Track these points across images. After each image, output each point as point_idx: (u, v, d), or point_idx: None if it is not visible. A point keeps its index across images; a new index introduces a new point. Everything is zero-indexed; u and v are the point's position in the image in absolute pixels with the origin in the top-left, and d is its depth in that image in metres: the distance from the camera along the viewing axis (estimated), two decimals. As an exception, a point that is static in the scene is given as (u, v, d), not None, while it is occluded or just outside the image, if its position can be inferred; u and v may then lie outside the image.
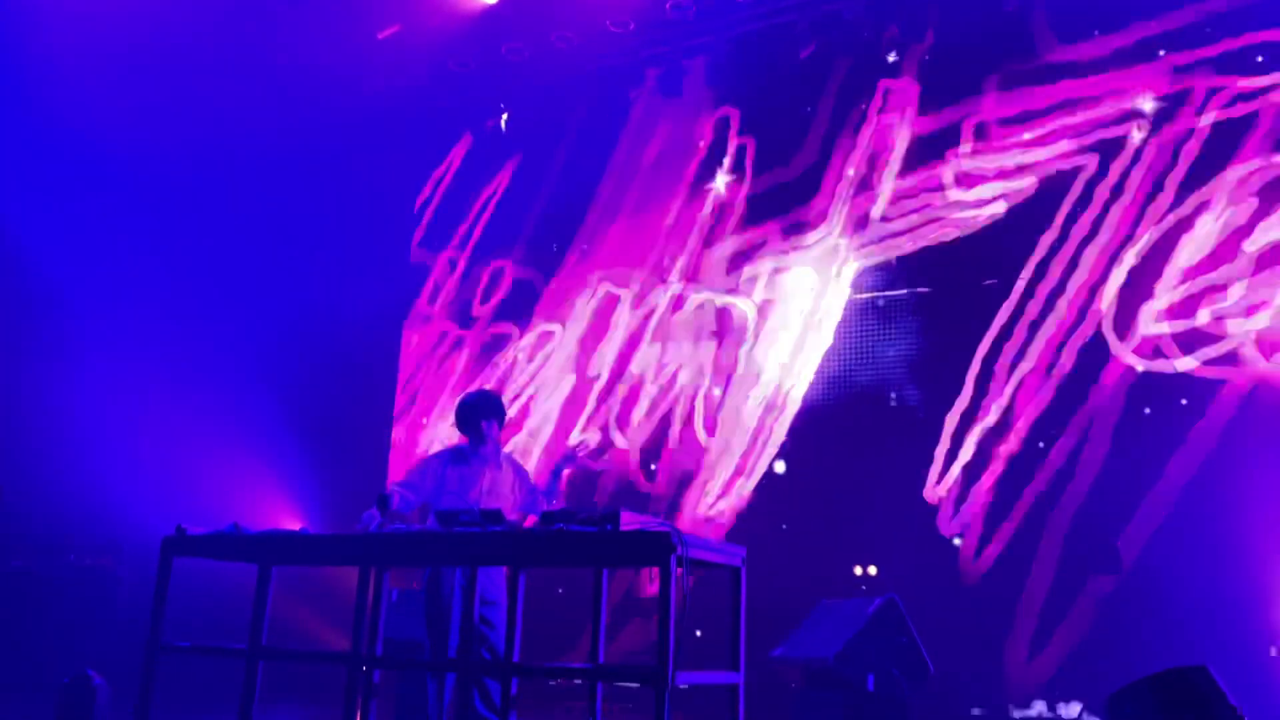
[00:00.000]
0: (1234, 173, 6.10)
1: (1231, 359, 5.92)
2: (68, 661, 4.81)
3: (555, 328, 8.42)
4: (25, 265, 8.05)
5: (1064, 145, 6.68)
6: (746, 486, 7.34)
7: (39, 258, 7.99)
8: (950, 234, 7.00)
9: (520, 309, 8.63)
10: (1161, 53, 6.48)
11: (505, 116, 8.67)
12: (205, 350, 8.47)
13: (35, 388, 8.00)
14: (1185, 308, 6.09)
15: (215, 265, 8.71)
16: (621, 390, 7.99)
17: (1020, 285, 6.66)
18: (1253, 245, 5.97)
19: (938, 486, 6.62)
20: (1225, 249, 6.05)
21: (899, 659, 4.61)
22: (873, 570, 6.74)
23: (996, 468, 6.48)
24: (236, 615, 4.45)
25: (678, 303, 7.94)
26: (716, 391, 7.61)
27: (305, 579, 7.23)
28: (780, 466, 7.30)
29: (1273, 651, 5.39)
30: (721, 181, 7.99)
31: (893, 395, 7.00)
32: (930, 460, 6.68)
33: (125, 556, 7.67)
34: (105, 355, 8.18)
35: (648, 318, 8.03)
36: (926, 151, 7.17)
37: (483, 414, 4.66)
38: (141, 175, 8.48)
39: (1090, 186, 6.55)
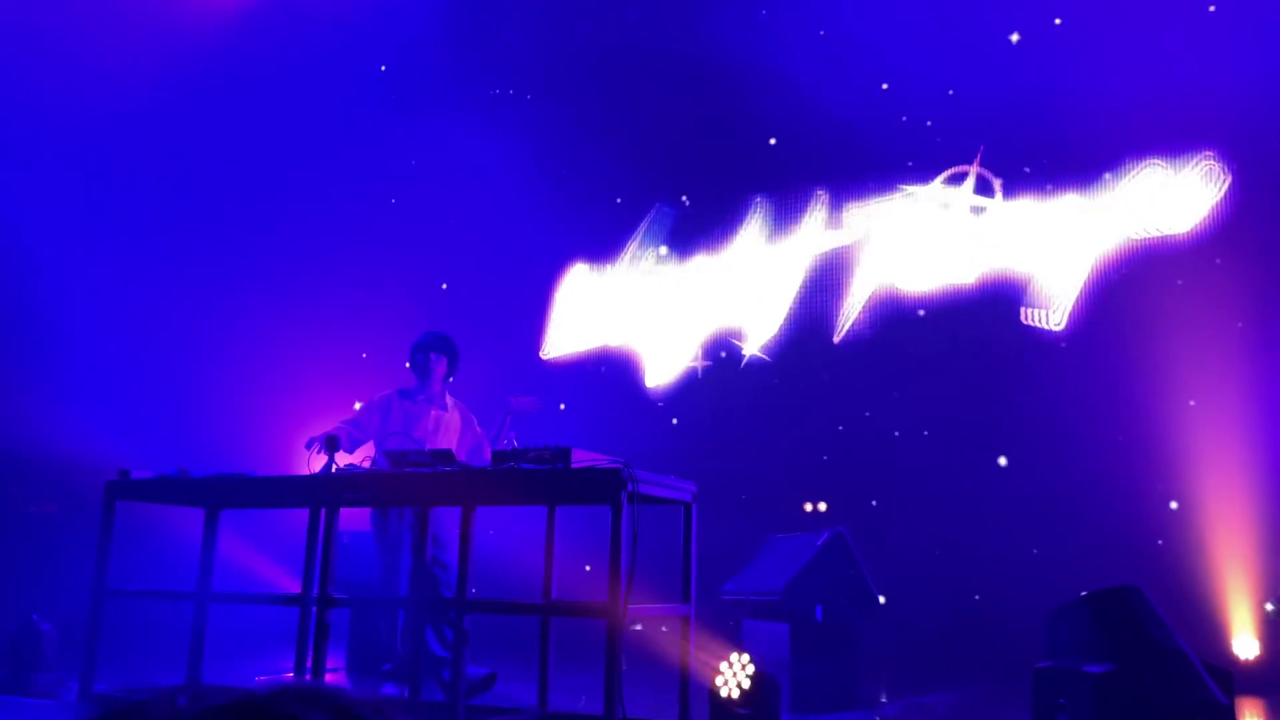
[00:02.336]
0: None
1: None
2: (15, 608, 4.75)
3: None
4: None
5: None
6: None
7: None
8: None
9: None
10: None
11: None
12: (153, 290, 8.28)
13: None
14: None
15: (161, 201, 8.48)
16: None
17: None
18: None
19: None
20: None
21: (847, 590, 4.71)
22: (822, 507, 6.86)
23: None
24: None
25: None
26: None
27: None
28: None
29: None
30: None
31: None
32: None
33: (75, 501, 7.54)
34: (51, 297, 7.96)
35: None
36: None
37: (430, 353, 4.64)
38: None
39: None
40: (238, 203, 8.72)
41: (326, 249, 8.80)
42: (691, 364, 7.54)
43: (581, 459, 3.55)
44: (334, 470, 3.99)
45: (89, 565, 4.11)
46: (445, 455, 3.85)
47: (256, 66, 8.75)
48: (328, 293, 8.72)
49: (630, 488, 3.38)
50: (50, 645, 4.47)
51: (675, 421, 7.55)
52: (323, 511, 3.95)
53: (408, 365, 4.82)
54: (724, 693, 3.61)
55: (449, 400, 4.74)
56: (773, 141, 7.51)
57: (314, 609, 3.79)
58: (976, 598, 6.12)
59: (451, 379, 4.81)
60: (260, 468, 4.48)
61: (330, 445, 4.08)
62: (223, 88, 8.71)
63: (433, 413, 4.64)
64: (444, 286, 8.45)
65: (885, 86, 7.08)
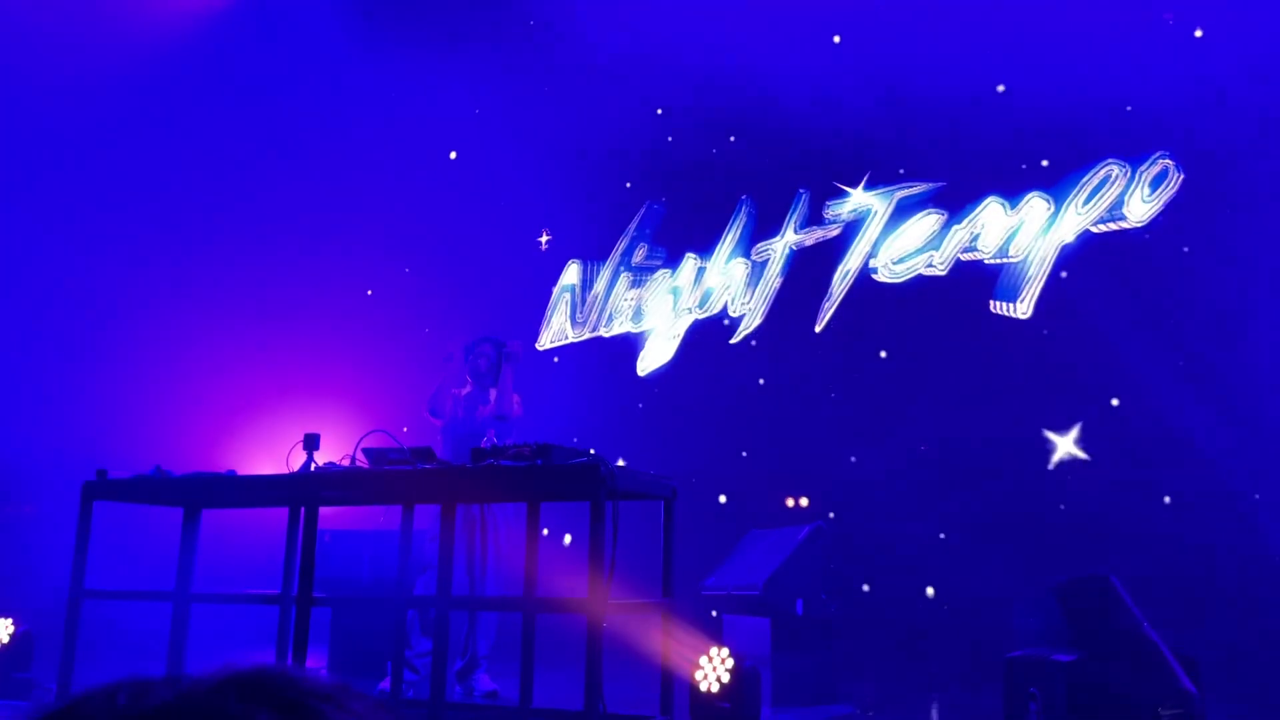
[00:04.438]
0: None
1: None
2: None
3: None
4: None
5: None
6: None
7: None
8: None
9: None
10: None
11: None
12: (127, 291, 8.22)
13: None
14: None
15: (133, 200, 8.43)
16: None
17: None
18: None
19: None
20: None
21: (828, 584, 4.73)
22: (804, 502, 6.89)
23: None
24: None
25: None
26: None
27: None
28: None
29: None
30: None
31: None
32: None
33: (53, 502, 7.49)
34: (24, 300, 7.90)
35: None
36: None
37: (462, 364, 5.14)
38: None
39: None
40: (217, 200, 8.68)
41: (308, 246, 8.77)
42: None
43: (561, 455, 3.55)
44: (312, 469, 3.98)
45: (67, 566, 4.08)
46: (425, 453, 3.85)
47: (226, 59, 8.69)
48: (310, 290, 8.69)
49: (608, 484, 3.39)
50: (29, 647, 4.45)
51: (661, 413, 7.61)
52: (302, 510, 3.94)
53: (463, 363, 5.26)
54: (704, 686, 3.63)
55: (490, 393, 5.12)
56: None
57: (294, 608, 3.78)
58: (953, 589, 6.17)
59: (490, 375, 5.14)
60: (240, 467, 4.47)
61: (309, 444, 4.08)
62: (201, 78, 8.64)
63: (479, 409, 5.07)
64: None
65: (833, 56, 7.24)
